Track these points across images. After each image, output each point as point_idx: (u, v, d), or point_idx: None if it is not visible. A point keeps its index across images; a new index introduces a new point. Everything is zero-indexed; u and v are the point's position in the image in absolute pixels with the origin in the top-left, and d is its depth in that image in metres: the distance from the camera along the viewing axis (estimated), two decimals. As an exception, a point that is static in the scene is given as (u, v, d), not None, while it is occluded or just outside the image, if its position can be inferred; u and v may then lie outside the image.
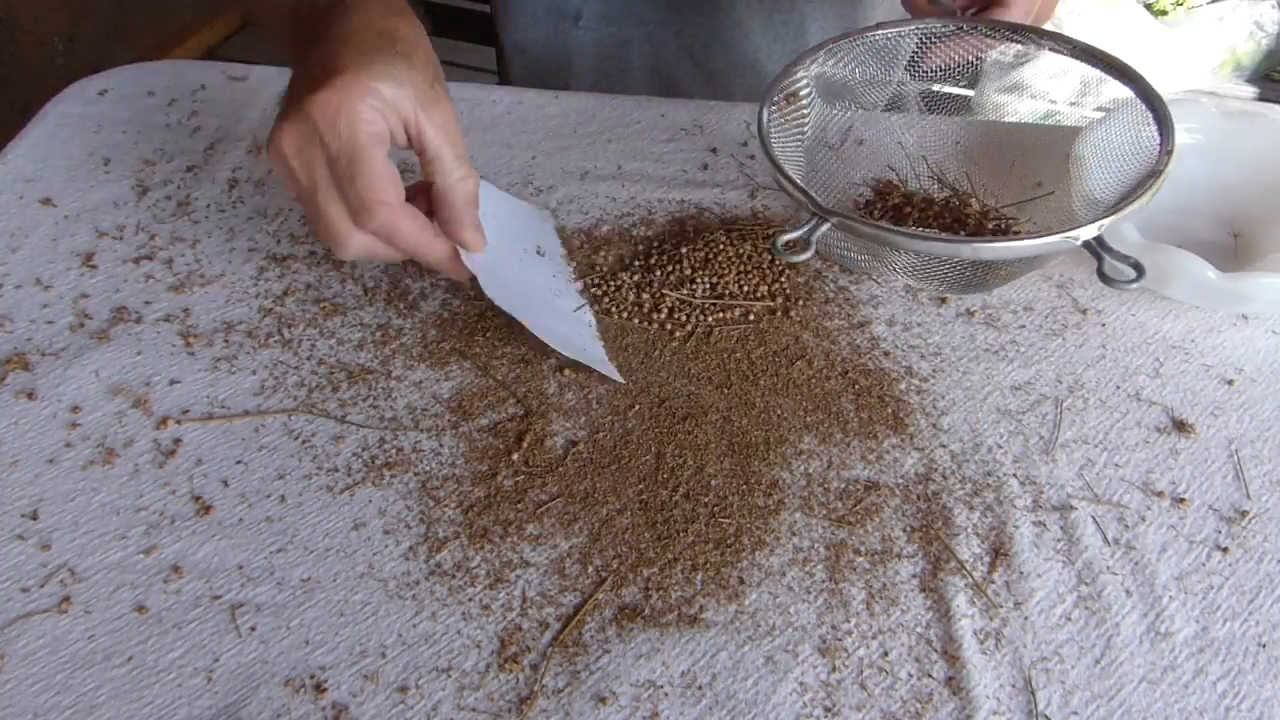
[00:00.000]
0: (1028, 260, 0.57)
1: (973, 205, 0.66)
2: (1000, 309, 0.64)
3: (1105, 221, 0.52)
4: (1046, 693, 0.46)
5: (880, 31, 0.64)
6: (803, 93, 0.64)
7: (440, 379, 0.59)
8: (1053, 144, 0.74)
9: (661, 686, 0.46)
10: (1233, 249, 0.68)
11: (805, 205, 0.55)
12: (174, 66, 0.83)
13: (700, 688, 0.46)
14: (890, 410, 0.58)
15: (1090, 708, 0.46)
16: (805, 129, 0.64)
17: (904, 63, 0.66)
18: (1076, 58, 0.62)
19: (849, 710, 0.45)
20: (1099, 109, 0.65)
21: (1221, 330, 0.63)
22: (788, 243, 0.53)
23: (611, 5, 0.88)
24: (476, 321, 0.62)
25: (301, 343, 0.61)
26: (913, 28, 0.65)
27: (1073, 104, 0.63)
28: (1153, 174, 0.54)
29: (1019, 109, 2.04)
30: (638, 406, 0.57)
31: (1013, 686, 0.46)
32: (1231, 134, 0.68)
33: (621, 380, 0.58)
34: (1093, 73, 0.62)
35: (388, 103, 0.51)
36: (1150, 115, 0.59)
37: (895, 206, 0.67)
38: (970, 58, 0.65)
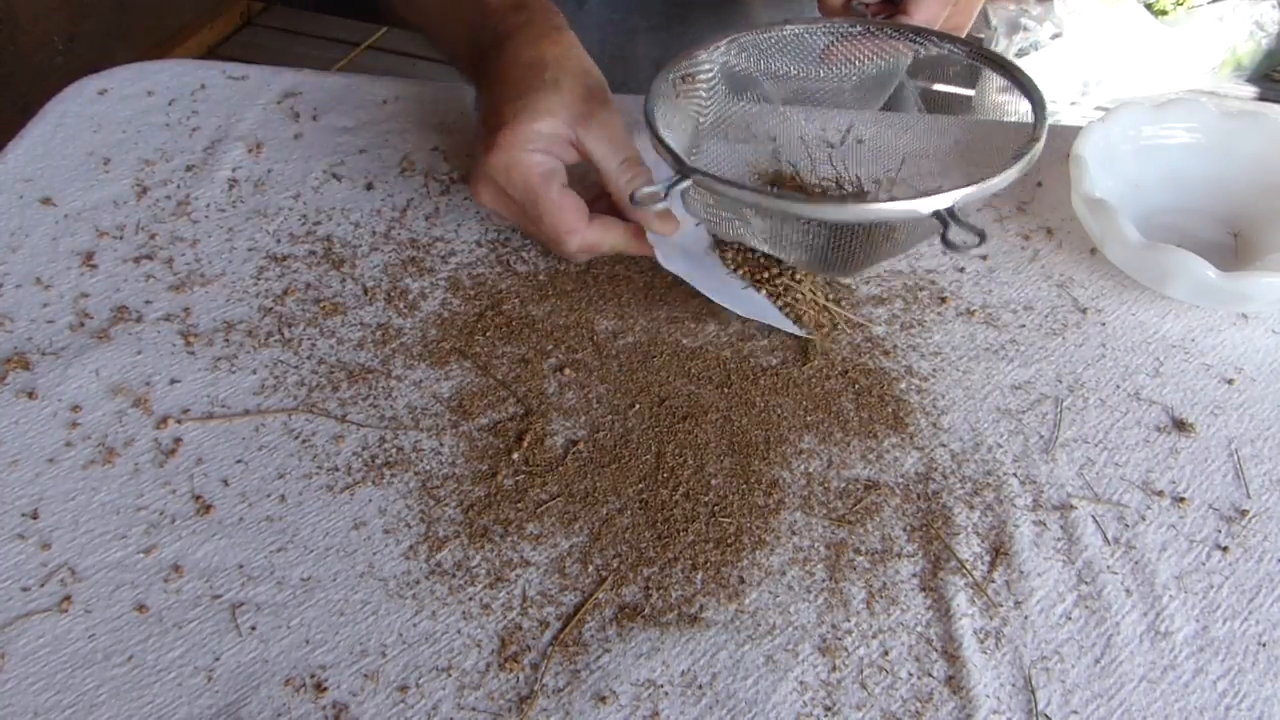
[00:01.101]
0: (883, 234, 0.56)
1: (845, 188, 0.66)
2: (1000, 308, 0.64)
3: (959, 193, 0.50)
4: (1046, 692, 0.46)
5: (789, 28, 0.65)
6: (701, 76, 0.63)
7: (440, 378, 0.59)
8: (1051, 144, 0.74)
9: (661, 686, 0.46)
10: (1233, 249, 0.68)
11: (669, 162, 0.54)
12: (174, 66, 0.83)
13: (700, 687, 0.46)
14: (890, 409, 0.58)
15: (1090, 707, 0.46)
16: (703, 117, 0.64)
17: (812, 59, 0.67)
18: (973, 59, 0.63)
19: (849, 709, 0.45)
20: (996, 107, 0.65)
21: (1221, 330, 0.63)
22: (646, 194, 0.53)
23: None
24: (476, 321, 0.62)
25: (301, 342, 0.61)
26: (822, 26, 0.65)
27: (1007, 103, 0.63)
28: (1016, 155, 0.53)
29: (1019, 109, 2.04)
30: (638, 406, 0.58)
31: (1013, 686, 0.46)
32: (1231, 134, 0.68)
33: (801, 333, 0.60)
34: (986, 73, 0.63)
35: (548, 137, 0.58)
36: (1028, 103, 0.58)
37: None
38: (877, 59, 0.66)
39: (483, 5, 0.65)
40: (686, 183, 0.53)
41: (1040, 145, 0.54)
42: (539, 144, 0.58)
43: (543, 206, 0.58)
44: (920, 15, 0.64)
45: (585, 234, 0.60)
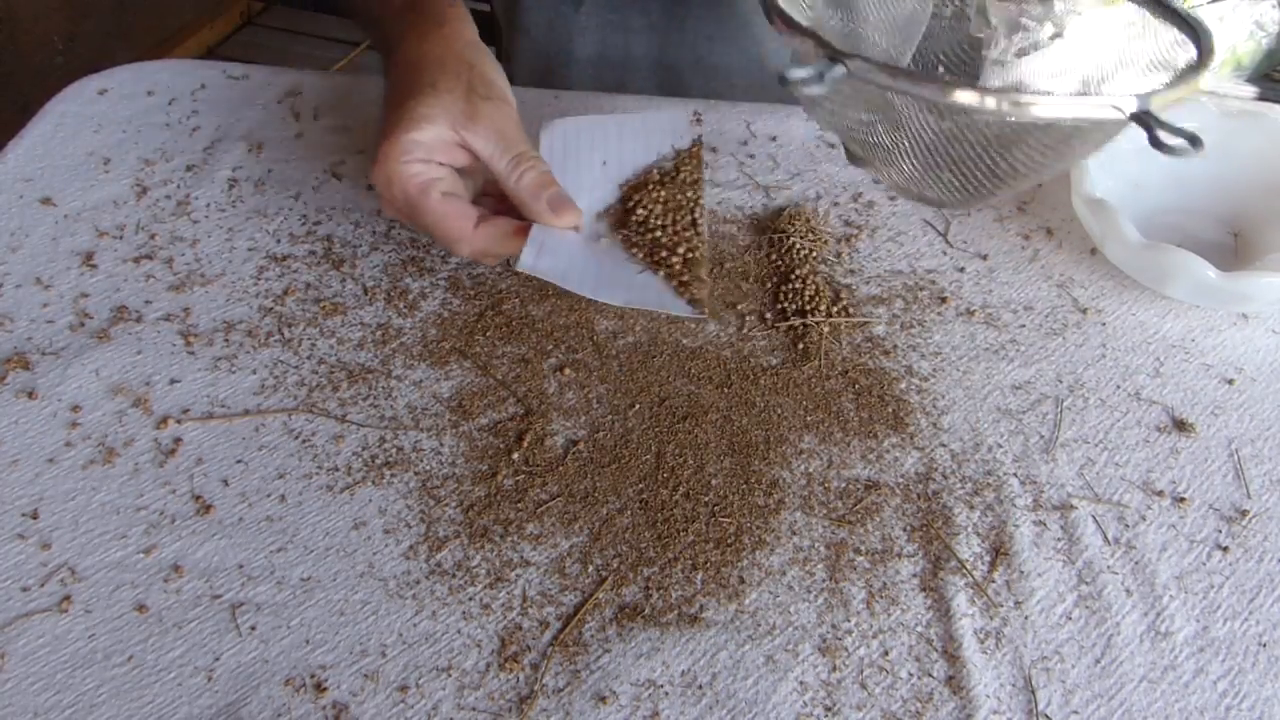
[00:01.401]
0: (1057, 143, 0.50)
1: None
2: (1000, 308, 0.64)
3: (1160, 92, 0.46)
4: (1047, 692, 0.46)
5: None
6: None
7: (440, 378, 0.59)
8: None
9: (662, 686, 0.46)
10: (1233, 249, 0.68)
11: (819, 47, 0.47)
12: (174, 66, 0.83)
13: (700, 687, 0.46)
14: (890, 409, 0.58)
15: (1090, 707, 0.46)
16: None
17: None
18: None
19: (849, 709, 0.45)
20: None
21: (1221, 330, 0.63)
22: (800, 78, 0.46)
23: None
24: (476, 321, 0.62)
25: (301, 342, 0.61)
26: None
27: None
28: (1198, 65, 0.49)
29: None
30: (638, 406, 0.57)
31: (1013, 686, 0.46)
32: (1231, 134, 0.68)
33: (692, 314, 0.56)
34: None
35: (427, 146, 0.56)
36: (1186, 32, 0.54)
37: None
38: None
39: (386, 6, 0.64)
40: (841, 68, 0.46)
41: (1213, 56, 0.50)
42: (416, 154, 0.56)
43: (425, 217, 0.57)
44: None
45: (473, 241, 0.58)
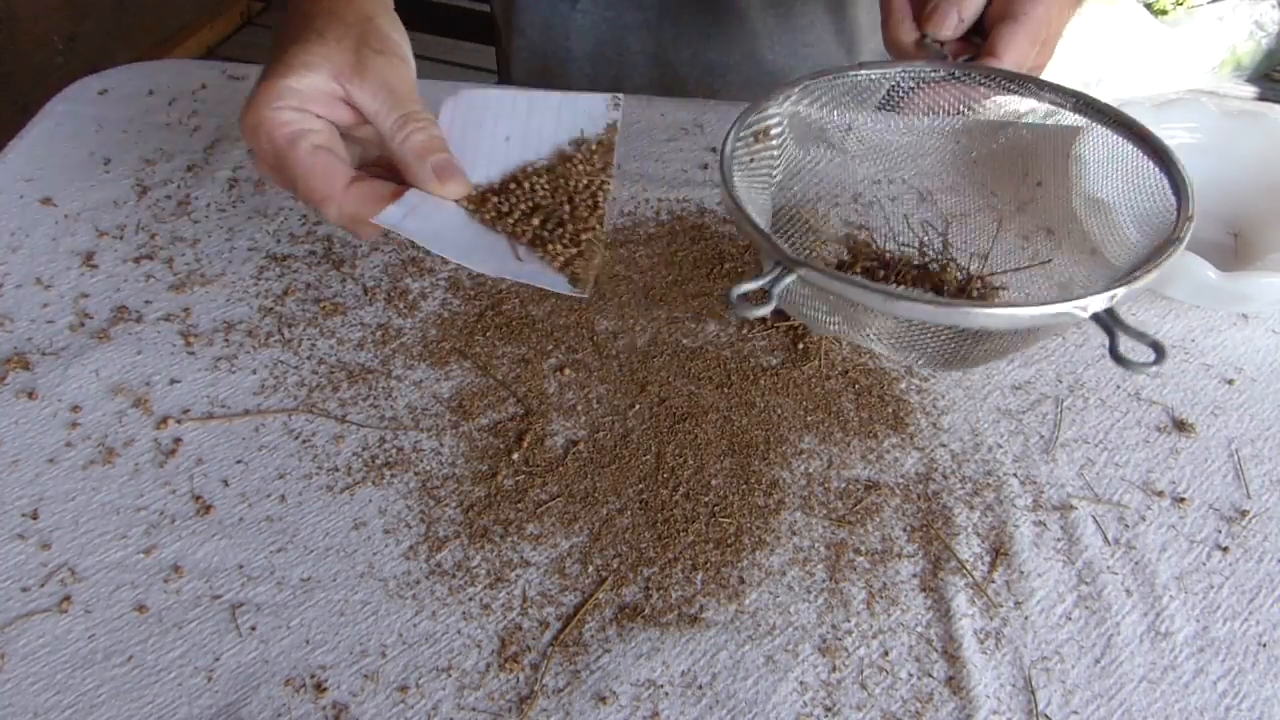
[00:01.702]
0: (1022, 333, 0.50)
1: (951, 271, 0.60)
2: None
3: (1119, 291, 0.44)
4: (1047, 692, 0.46)
5: (864, 72, 0.58)
6: (774, 130, 0.56)
7: (440, 379, 0.59)
8: (1051, 144, 0.74)
9: (662, 686, 0.46)
10: (1233, 249, 0.68)
11: (769, 252, 0.47)
12: (174, 66, 0.83)
13: (700, 687, 0.46)
14: (890, 410, 0.58)
15: (1090, 707, 0.46)
16: (775, 172, 0.58)
17: (876, 102, 0.59)
18: (1080, 112, 0.56)
19: (849, 710, 0.45)
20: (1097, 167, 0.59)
21: (1221, 330, 0.63)
22: (745, 294, 0.44)
23: None
24: (476, 321, 0.62)
25: (301, 342, 0.61)
26: (899, 70, 0.58)
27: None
28: (1171, 241, 0.47)
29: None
30: (638, 406, 0.57)
31: (1013, 686, 0.46)
32: (1231, 134, 0.68)
33: (571, 292, 0.52)
34: (1100, 130, 0.57)
35: (304, 94, 0.51)
36: (1165, 178, 0.53)
37: (867, 270, 0.60)
38: (959, 107, 0.58)
39: None
40: (792, 277, 0.45)
41: (1193, 224, 0.48)
42: (290, 101, 0.51)
43: (291, 170, 0.51)
44: (1009, 57, 0.56)
45: (342, 202, 0.52)
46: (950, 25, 0.58)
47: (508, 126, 0.59)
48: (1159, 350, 0.42)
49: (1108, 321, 0.43)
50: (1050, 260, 0.60)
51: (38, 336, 0.61)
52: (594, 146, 0.59)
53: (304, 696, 0.46)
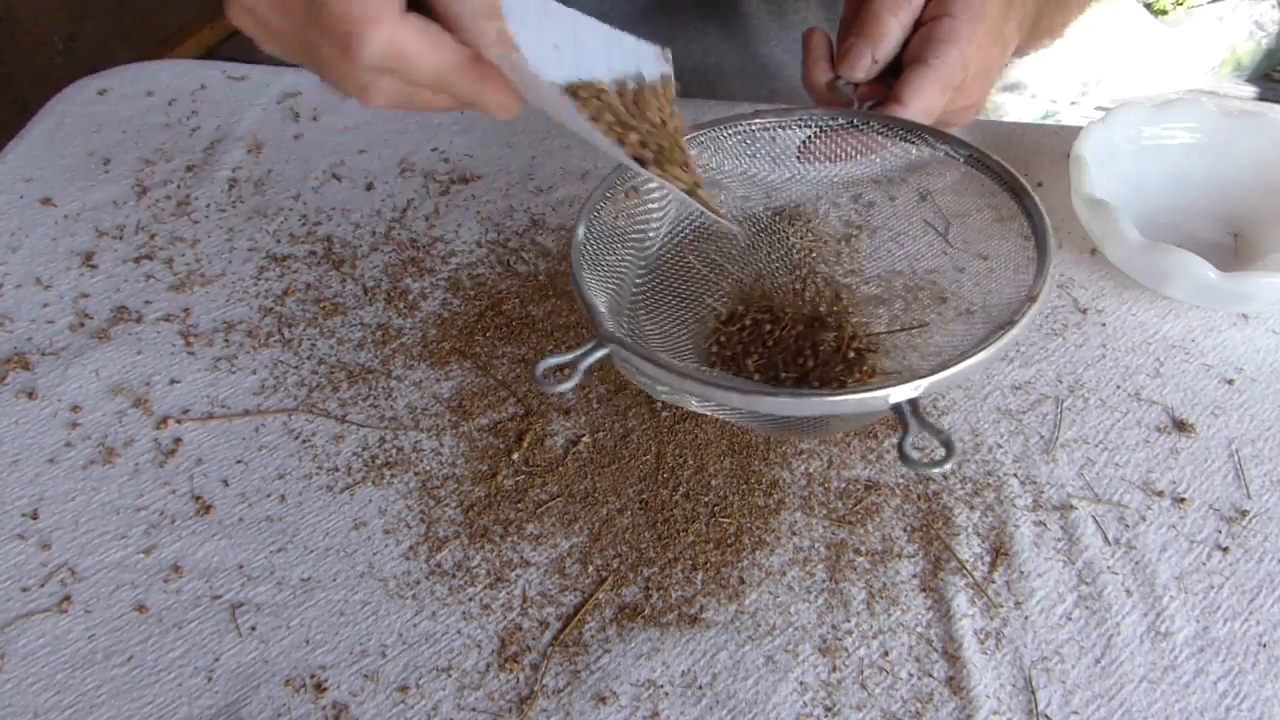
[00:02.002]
0: (834, 417, 0.48)
1: (829, 332, 0.58)
2: (1001, 309, 0.64)
3: (924, 382, 0.42)
4: (1047, 692, 0.46)
5: (758, 121, 0.56)
6: (651, 186, 0.54)
7: (440, 378, 0.59)
8: (1051, 144, 0.74)
9: (662, 686, 0.46)
10: (1233, 249, 0.68)
11: (590, 324, 0.46)
12: (174, 66, 0.83)
13: (700, 687, 0.46)
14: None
15: (1091, 707, 0.46)
16: (651, 231, 0.55)
17: (790, 154, 0.57)
18: (971, 165, 0.55)
19: (849, 710, 0.45)
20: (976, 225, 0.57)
21: (1221, 330, 0.63)
22: (550, 370, 0.44)
23: None
24: (476, 321, 0.62)
25: (301, 342, 0.61)
26: (796, 118, 0.56)
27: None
28: (1007, 324, 0.45)
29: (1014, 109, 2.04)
30: (638, 406, 0.57)
31: (1013, 686, 0.46)
32: (1231, 134, 0.68)
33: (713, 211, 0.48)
34: (986, 182, 0.55)
35: None
36: (1032, 248, 0.50)
37: (756, 322, 0.59)
38: (857, 154, 0.56)
39: None
40: (603, 352, 0.44)
41: (1036, 307, 0.46)
42: None
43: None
44: (915, 105, 0.54)
45: (393, 31, 0.40)
46: (863, 67, 0.55)
47: (556, 34, 0.51)
48: (949, 448, 0.41)
49: (905, 413, 0.42)
50: (926, 324, 0.60)
51: (38, 336, 0.61)
52: (658, 91, 0.51)
53: (304, 696, 0.46)
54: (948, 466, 0.41)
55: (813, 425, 0.53)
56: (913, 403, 0.42)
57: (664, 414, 0.57)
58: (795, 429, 0.53)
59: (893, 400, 0.42)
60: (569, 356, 0.44)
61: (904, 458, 0.40)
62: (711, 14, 0.88)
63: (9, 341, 0.60)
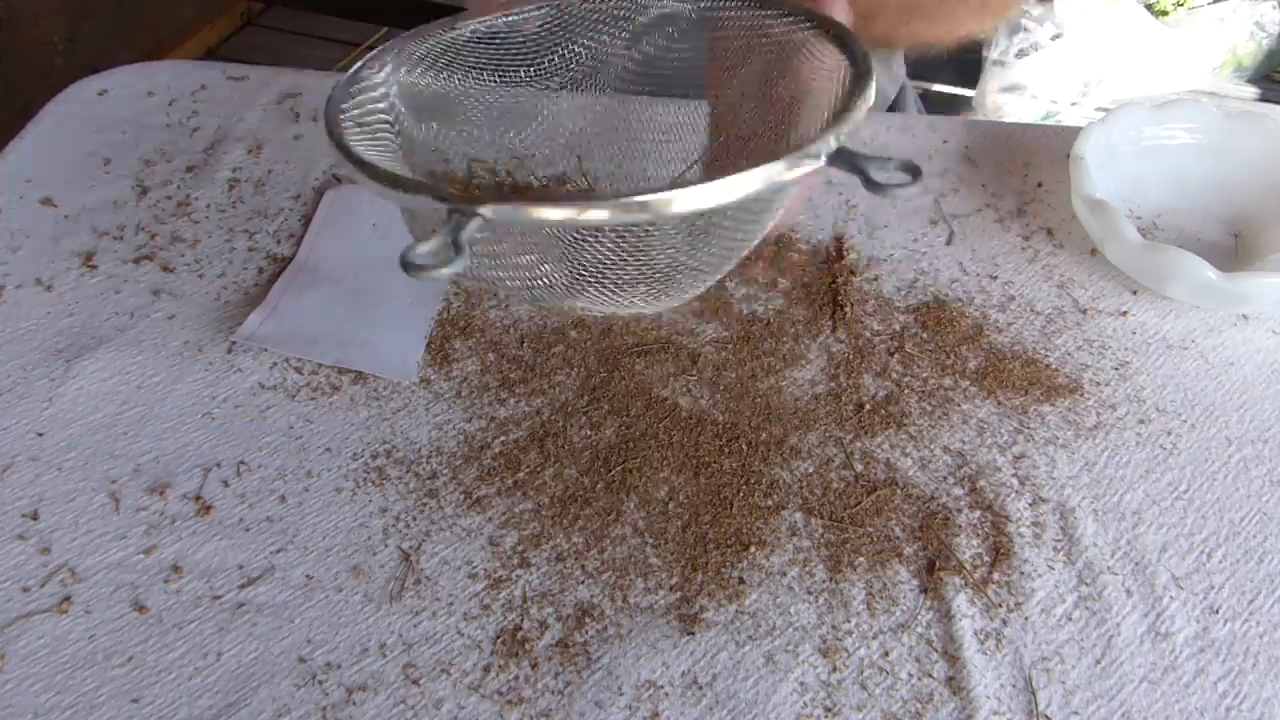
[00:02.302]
0: (756, 210, 0.43)
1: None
2: (1001, 309, 0.64)
3: (842, 130, 0.39)
4: (1047, 693, 0.46)
5: (470, 24, 0.48)
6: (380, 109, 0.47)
7: (441, 378, 0.59)
8: (1051, 145, 0.74)
9: (662, 686, 0.46)
10: (1233, 249, 0.68)
11: (434, 198, 0.37)
12: (174, 66, 0.83)
13: (700, 688, 0.46)
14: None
15: (1091, 708, 0.46)
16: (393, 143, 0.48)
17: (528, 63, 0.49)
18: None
19: (849, 710, 0.45)
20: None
21: (1221, 330, 0.63)
22: (424, 256, 0.35)
23: None
24: (477, 322, 0.62)
25: (302, 342, 0.61)
26: (503, 17, 0.48)
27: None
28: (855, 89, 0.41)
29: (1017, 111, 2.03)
30: (638, 406, 0.57)
31: (1013, 686, 0.46)
32: (1232, 134, 0.68)
33: (405, 379, 0.52)
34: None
35: None
36: (838, 49, 0.46)
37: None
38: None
39: None
40: (477, 220, 0.35)
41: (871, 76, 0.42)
42: None
43: None
44: None
45: None
46: None
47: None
48: (914, 171, 0.37)
49: (850, 157, 0.38)
50: (697, 162, 0.52)
51: (38, 336, 0.61)
52: None
53: (304, 696, 0.46)
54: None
55: (710, 253, 0.45)
56: (843, 149, 0.38)
57: (664, 416, 0.57)
58: (683, 268, 0.44)
59: (824, 154, 0.38)
60: (437, 241, 0.35)
61: (873, 185, 0.37)
62: None
63: (9, 342, 0.60)
